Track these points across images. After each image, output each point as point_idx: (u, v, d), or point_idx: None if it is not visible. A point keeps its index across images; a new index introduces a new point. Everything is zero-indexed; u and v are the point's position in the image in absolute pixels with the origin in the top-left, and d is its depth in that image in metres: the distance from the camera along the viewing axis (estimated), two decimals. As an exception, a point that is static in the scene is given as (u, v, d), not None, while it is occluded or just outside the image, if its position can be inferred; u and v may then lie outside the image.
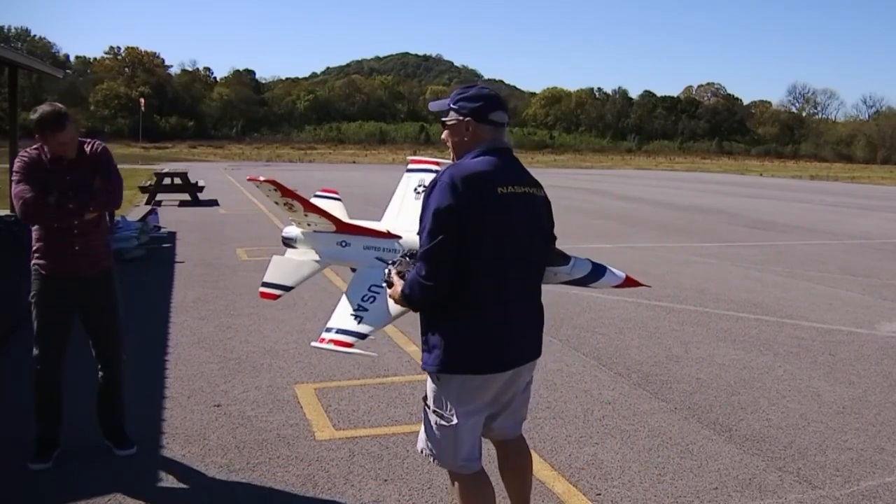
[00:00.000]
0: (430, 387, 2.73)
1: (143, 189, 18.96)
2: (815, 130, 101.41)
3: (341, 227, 3.55)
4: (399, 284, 2.67)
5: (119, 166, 4.11)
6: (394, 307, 2.99)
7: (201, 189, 19.41)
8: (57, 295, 3.83)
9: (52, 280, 3.81)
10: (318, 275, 3.75)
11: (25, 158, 3.77)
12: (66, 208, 3.70)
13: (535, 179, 2.77)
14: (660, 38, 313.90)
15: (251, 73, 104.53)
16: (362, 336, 3.13)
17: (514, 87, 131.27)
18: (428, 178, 3.86)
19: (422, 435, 2.80)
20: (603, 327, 6.96)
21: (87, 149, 3.89)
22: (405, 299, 2.65)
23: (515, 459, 2.98)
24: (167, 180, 18.97)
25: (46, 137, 3.70)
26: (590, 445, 4.26)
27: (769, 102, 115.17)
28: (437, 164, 3.97)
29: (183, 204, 18.32)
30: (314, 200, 4.01)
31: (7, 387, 5.03)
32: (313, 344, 3.19)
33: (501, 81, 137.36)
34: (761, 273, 10.23)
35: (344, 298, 3.29)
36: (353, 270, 3.49)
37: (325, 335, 3.16)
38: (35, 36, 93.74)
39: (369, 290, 3.24)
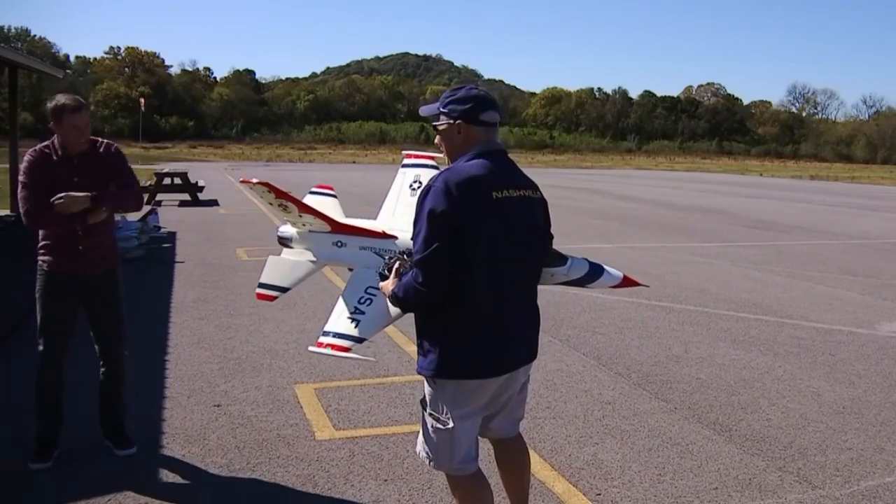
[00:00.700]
0: (426, 390, 2.73)
1: (143, 189, 18.94)
2: (815, 130, 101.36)
3: (336, 227, 3.51)
4: (392, 284, 2.66)
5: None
6: (392, 310, 2.96)
7: (201, 189, 19.41)
8: (60, 291, 3.84)
9: (56, 276, 3.82)
10: (317, 274, 3.74)
11: (33, 158, 3.77)
12: (65, 216, 3.69)
13: (530, 181, 2.75)
14: (660, 38, 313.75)
15: (251, 73, 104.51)
16: (359, 340, 3.10)
17: (514, 87, 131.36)
18: (423, 174, 3.81)
19: (420, 438, 2.80)
20: (603, 327, 6.96)
21: (101, 149, 3.89)
22: (397, 301, 2.64)
23: (513, 458, 2.98)
24: (167, 180, 18.97)
25: (62, 120, 3.70)
26: (590, 445, 4.26)
27: (769, 102, 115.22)
28: (433, 158, 3.89)
29: (183, 204, 18.32)
30: (309, 196, 3.96)
31: (7, 387, 5.02)
32: (311, 349, 3.17)
33: (501, 81, 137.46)
34: (761, 273, 10.24)
35: (340, 301, 3.26)
36: (351, 270, 3.48)
37: (322, 339, 3.13)
38: (35, 36, 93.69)
39: (366, 291, 3.20)
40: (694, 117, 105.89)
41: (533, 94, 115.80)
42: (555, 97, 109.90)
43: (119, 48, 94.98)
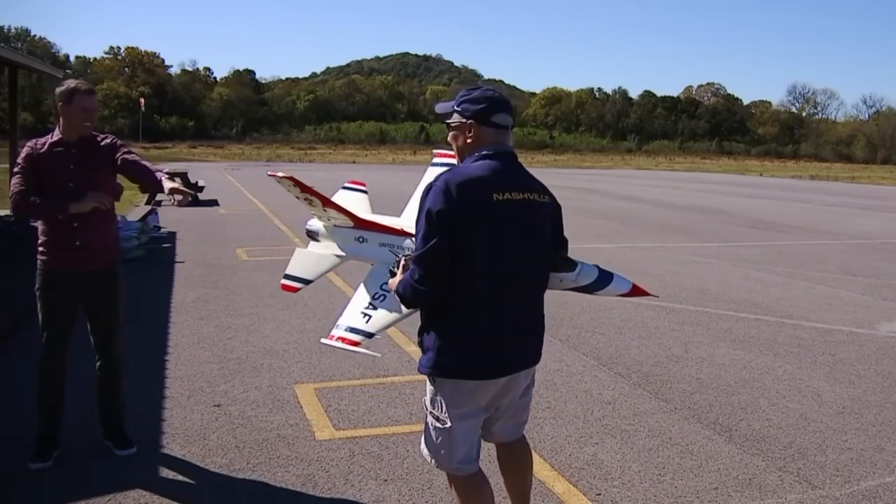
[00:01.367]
0: (428, 388, 2.73)
1: (143, 189, 18.93)
2: (815, 130, 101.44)
3: (359, 223, 3.61)
4: (398, 280, 2.68)
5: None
6: (403, 308, 2.99)
7: (201, 189, 19.40)
8: (59, 288, 3.84)
9: (54, 275, 3.82)
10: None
11: (30, 148, 3.79)
12: (48, 204, 3.69)
13: (540, 185, 2.72)
14: (660, 38, 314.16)
15: (251, 73, 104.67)
16: (370, 335, 3.17)
17: (514, 87, 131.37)
18: None
19: (423, 438, 2.81)
20: (603, 327, 6.96)
21: (101, 141, 3.89)
22: (400, 298, 2.68)
23: (516, 459, 2.97)
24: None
25: (73, 101, 3.71)
26: (590, 445, 4.26)
27: (769, 102, 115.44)
28: None
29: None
30: (341, 192, 4.09)
31: (7, 387, 5.02)
32: (322, 340, 3.23)
33: (501, 81, 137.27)
34: (761, 273, 10.23)
35: (356, 295, 3.33)
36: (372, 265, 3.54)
37: (334, 332, 3.21)
38: (35, 36, 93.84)
39: (381, 288, 3.27)
40: (694, 117, 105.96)
41: (533, 94, 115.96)
42: (555, 97, 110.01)
43: (119, 48, 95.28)
